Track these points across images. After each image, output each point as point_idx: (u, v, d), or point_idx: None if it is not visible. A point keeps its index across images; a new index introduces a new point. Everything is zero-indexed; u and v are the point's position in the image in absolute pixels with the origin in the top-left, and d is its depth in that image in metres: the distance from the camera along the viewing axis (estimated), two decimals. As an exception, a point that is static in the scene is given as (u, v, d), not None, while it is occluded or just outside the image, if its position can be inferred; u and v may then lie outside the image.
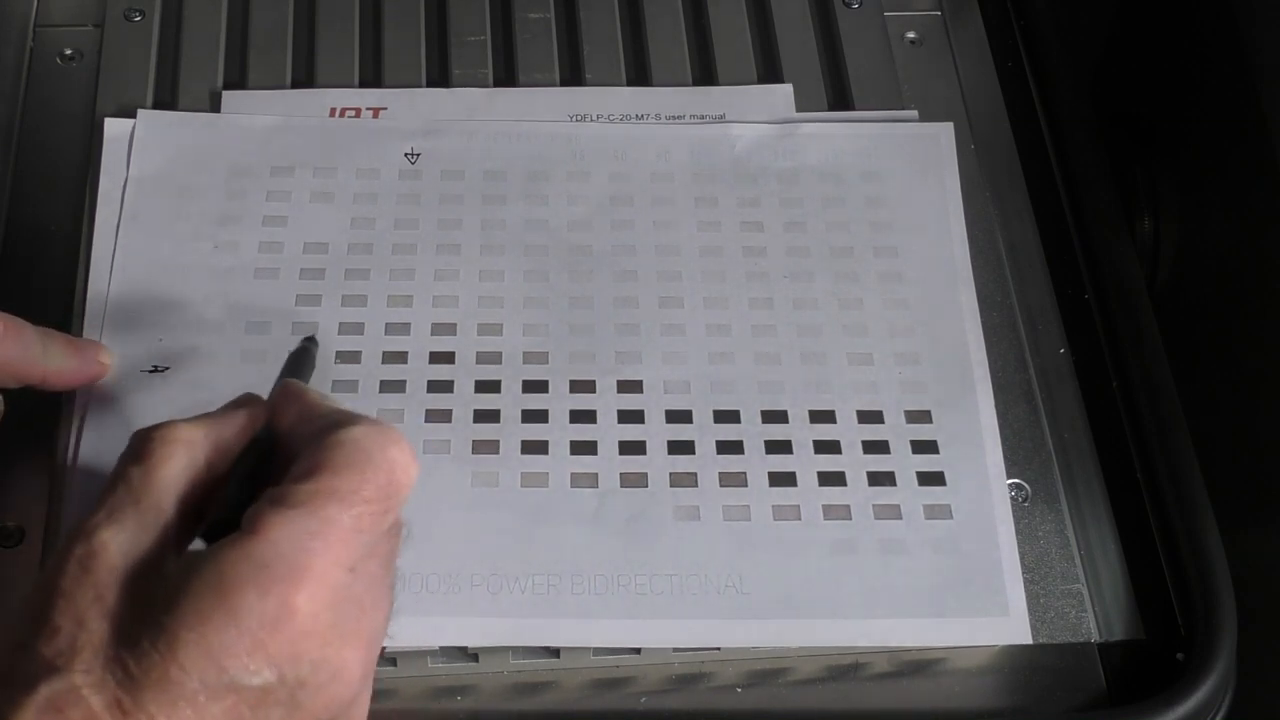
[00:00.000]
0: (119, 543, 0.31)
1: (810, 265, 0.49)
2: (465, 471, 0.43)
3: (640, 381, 0.46)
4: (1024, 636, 0.42)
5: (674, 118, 0.53)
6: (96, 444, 0.43)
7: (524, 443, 0.44)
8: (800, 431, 0.45)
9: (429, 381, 0.45)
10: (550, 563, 0.42)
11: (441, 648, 0.41)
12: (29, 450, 0.43)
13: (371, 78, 0.53)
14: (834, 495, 0.44)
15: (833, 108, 0.54)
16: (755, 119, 0.53)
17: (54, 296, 0.47)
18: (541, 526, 0.42)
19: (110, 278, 0.46)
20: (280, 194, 0.49)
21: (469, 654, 0.41)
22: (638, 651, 0.41)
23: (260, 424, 0.35)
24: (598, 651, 0.41)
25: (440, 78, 0.54)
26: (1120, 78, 0.62)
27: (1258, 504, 0.51)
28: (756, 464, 0.44)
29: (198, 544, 0.33)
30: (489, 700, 0.41)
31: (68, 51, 0.53)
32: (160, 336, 0.45)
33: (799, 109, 0.53)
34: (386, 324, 0.46)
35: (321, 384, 0.44)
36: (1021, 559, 0.43)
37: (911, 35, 0.57)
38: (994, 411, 0.46)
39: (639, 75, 0.54)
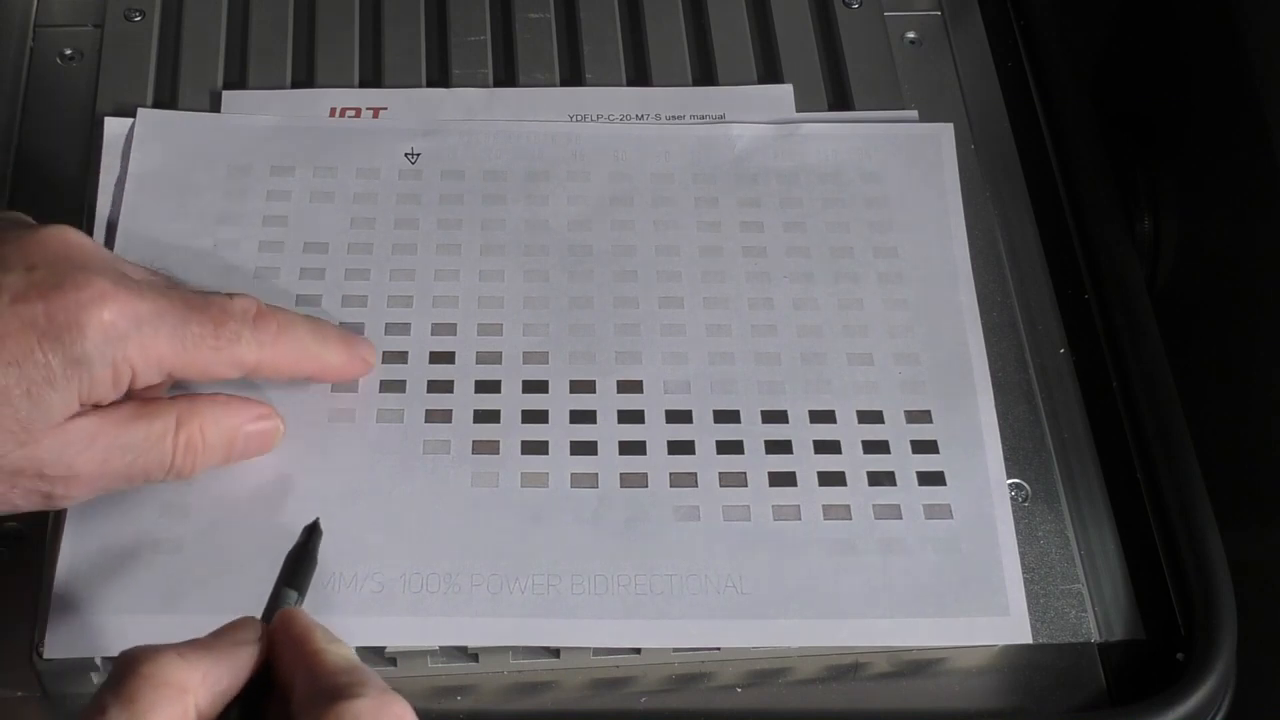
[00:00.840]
0: None
1: (810, 265, 0.49)
2: (465, 471, 0.43)
3: (640, 382, 0.46)
4: (1024, 636, 0.42)
5: (674, 118, 0.53)
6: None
7: (524, 443, 0.44)
8: (800, 431, 0.45)
9: (429, 382, 0.45)
10: (550, 563, 0.42)
11: (441, 648, 0.41)
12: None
13: (371, 78, 0.53)
14: (834, 495, 0.44)
15: (833, 108, 0.54)
16: (755, 119, 0.53)
17: (54, 296, 0.47)
18: (541, 526, 0.42)
19: (110, 277, 0.46)
20: (280, 194, 0.49)
21: (469, 654, 0.41)
22: (638, 651, 0.41)
23: (258, 664, 0.33)
24: (598, 651, 0.41)
25: (440, 78, 0.54)
26: (1120, 78, 0.62)
27: (1258, 504, 0.51)
28: (756, 464, 0.44)
29: None
30: (489, 700, 0.41)
31: (68, 51, 0.53)
32: (160, 336, 0.45)
33: (799, 109, 0.53)
34: (386, 324, 0.46)
35: (321, 389, 0.44)
36: (1021, 559, 0.43)
37: (911, 35, 0.57)
38: (994, 411, 0.46)
39: (639, 75, 0.54)
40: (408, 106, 0.52)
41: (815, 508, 0.43)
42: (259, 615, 0.35)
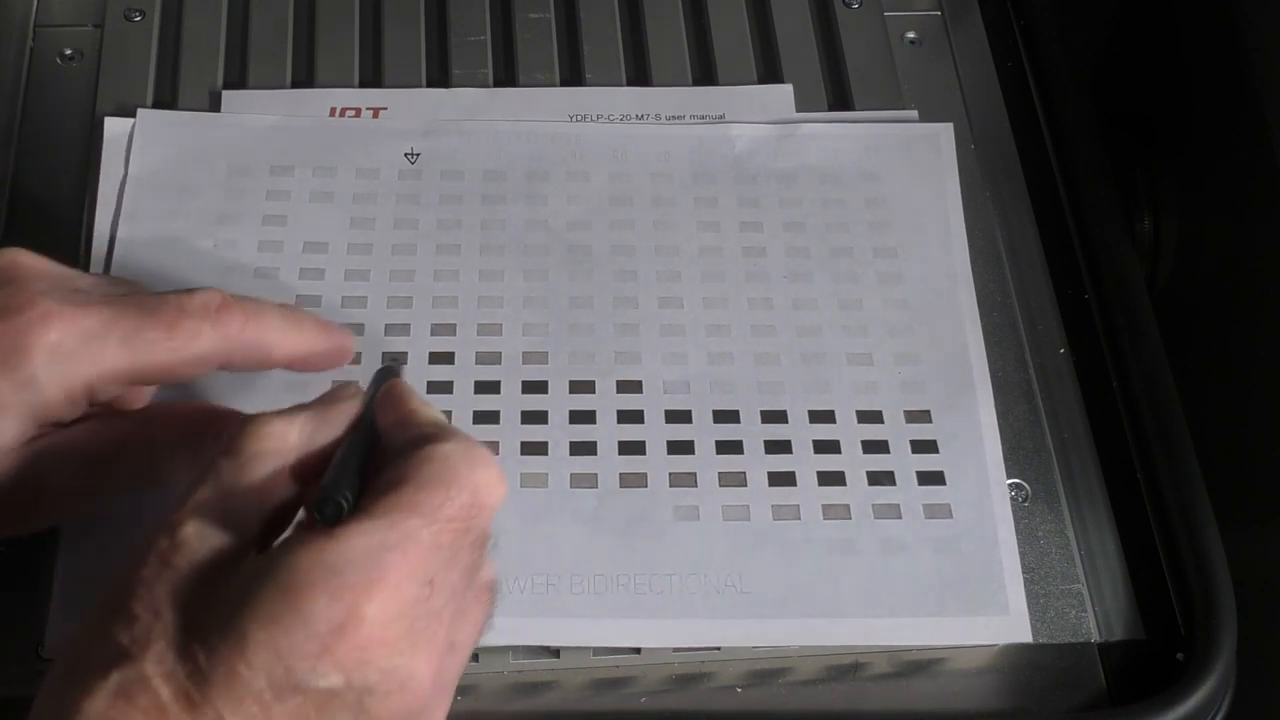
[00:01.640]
0: (202, 538, 0.31)
1: (810, 265, 0.49)
2: (465, 471, 0.43)
3: (640, 382, 0.46)
4: (1024, 636, 0.42)
5: (674, 118, 0.53)
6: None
7: (523, 443, 0.44)
8: (800, 431, 0.45)
9: (429, 382, 0.45)
10: (550, 563, 0.42)
11: (441, 648, 0.41)
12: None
13: (371, 78, 0.53)
14: (834, 495, 0.44)
15: (833, 108, 0.54)
16: (755, 119, 0.53)
17: (54, 296, 0.47)
18: (541, 526, 0.42)
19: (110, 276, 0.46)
20: (280, 193, 0.49)
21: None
22: (638, 651, 0.41)
23: (357, 419, 0.35)
24: (598, 651, 0.41)
25: (440, 78, 0.54)
26: (1120, 78, 0.61)
27: (1258, 504, 0.51)
28: (756, 464, 0.44)
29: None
30: (489, 700, 0.41)
31: (68, 51, 0.53)
32: (160, 336, 0.45)
33: (799, 109, 0.53)
34: (386, 325, 0.46)
35: (322, 385, 0.44)
36: (1021, 559, 0.43)
37: (911, 35, 0.57)
38: (994, 411, 0.46)
39: (639, 75, 0.54)
40: (408, 106, 0.52)
41: (815, 507, 0.43)
42: None
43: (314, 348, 0.41)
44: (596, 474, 0.44)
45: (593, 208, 0.50)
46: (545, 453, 0.44)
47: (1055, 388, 0.48)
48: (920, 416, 0.46)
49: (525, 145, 0.51)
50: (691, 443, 0.44)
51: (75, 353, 0.36)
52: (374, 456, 0.34)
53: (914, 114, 0.53)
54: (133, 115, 0.50)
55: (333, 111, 0.52)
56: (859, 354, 0.47)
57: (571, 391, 0.45)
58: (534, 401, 0.45)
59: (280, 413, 0.34)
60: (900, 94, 0.54)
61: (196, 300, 0.38)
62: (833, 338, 0.47)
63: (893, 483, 0.44)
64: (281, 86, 0.53)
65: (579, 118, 0.52)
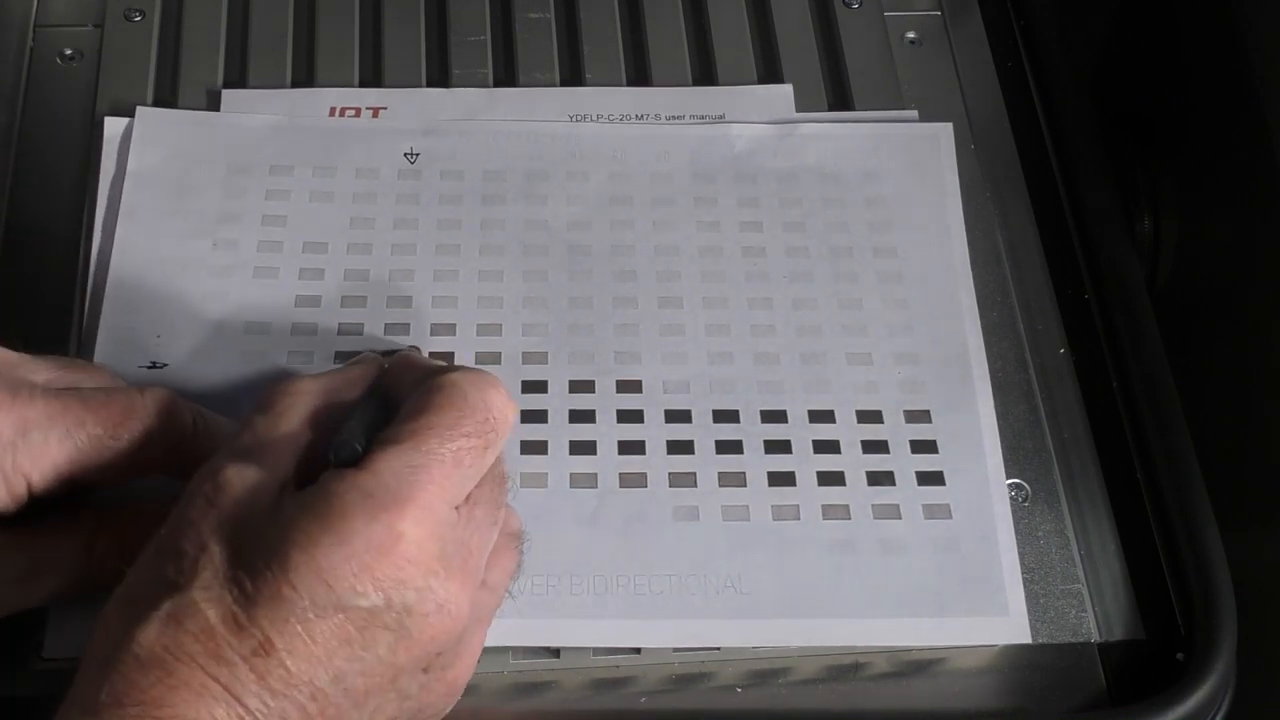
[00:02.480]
0: (242, 479, 0.33)
1: (809, 265, 0.49)
2: (464, 471, 0.43)
3: (639, 381, 0.46)
4: (1024, 636, 0.42)
5: (674, 118, 0.53)
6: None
7: (523, 443, 0.44)
8: (799, 431, 0.45)
9: (428, 381, 0.45)
10: (549, 563, 0.42)
11: (441, 647, 0.41)
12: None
13: (371, 78, 0.53)
14: (833, 495, 0.44)
15: (833, 108, 0.54)
16: (755, 119, 0.53)
17: (54, 294, 0.47)
18: (540, 526, 0.42)
19: (109, 275, 0.46)
20: (279, 193, 0.49)
21: (468, 654, 0.41)
22: (638, 651, 0.41)
23: (375, 379, 0.38)
24: (598, 651, 0.41)
25: (440, 78, 0.54)
26: (1120, 78, 0.61)
27: (1258, 504, 0.51)
28: (755, 464, 0.44)
29: None
30: (489, 700, 0.41)
31: (68, 51, 0.53)
32: (159, 334, 0.45)
33: (799, 109, 0.53)
34: (385, 325, 0.46)
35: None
36: (1021, 559, 0.43)
37: (911, 35, 0.57)
38: (993, 411, 0.46)
39: (639, 75, 0.54)
40: (408, 106, 0.52)
41: (814, 507, 0.43)
42: None
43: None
44: (596, 474, 0.44)
45: (592, 208, 0.50)
46: (545, 452, 0.44)
47: (1055, 388, 0.48)
48: (920, 416, 0.46)
49: (525, 145, 0.51)
50: (691, 442, 0.44)
51: (14, 444, 0.36)
52: (393, 407, 0.36)
53: (914, 114, 0.53)
54: (132, 115, 0.50)
55: (333, 111, 0.52)
56: (859, 354, 0.47)
57: (571, 391, 0.45)
58: (534, 401, 0.45)
59: (307, 375, 0.37)
60: (900, 94, 0.54)
61: (145, 401, 0.38)
62: (832, 337, 0.47)
63: (892, 483, 0.44)
64: (281, 86, 0.53)
65: (579, 118, 0.52)
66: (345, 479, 0.32)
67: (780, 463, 0.44)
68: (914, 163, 0.52)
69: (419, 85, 0.53)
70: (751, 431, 0.45)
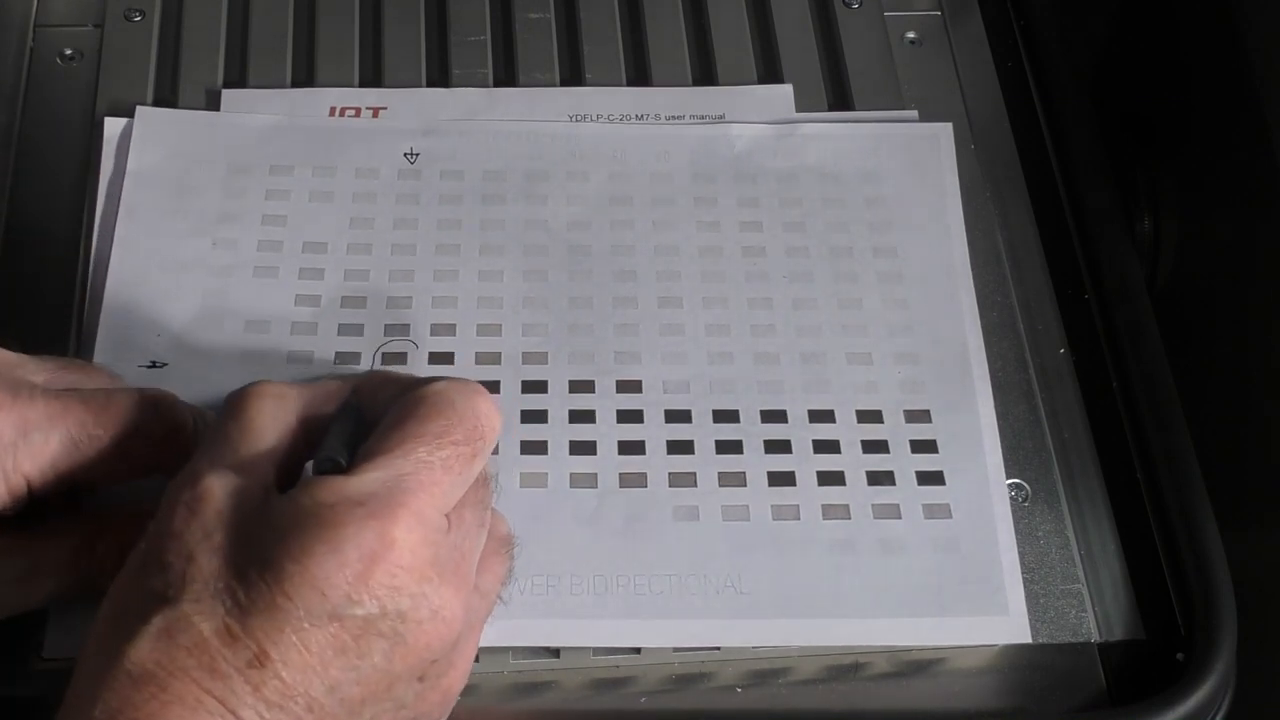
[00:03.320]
0: (222, 485, 0.33)
1: (809, 265, 0.49)
2: (464, 471, 0.43)
3: (639, 381, 0.46)
4: (1024, 636, 0.42)
5: (674, 118, 0.53)
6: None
7: (523, 443, 0.44)
8: (799, 431, 0.45)
9: (428, 381, 0.45)
10: (549, 563, 0.42)
11: (441, 647, 0.41)
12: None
13: (371, 78, 0.53)
14: (833, 495, 0.44)
15: (833, 108, 0.54)
16: (755, 119, 0.53)
17: (54, 294, 0.47)
18: (540, 526, 0.42)
19: (109, 274, 0.46)
20: (279, 193, 0.49)
21: (468, 654, 0.41)
22: (638, 651, 0.41)
23: (349, 396, 0.37)
24: (598, 651, 0.41)
25: (440, 78, 0.54)
26: (1120, 78, 0.61)
27: (1258, 504, 0.51)
28: (755, 464, 0.44)
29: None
30: (489, 700, 0.41)
31: (68, 51, 0.53)
32: (158, 333, 0.45)
33: (799, 109, 0.53)
34: (385, 325, 0.46)
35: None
36: (1021, 559, 0.43)
37: (911, 35, 0.57)
38: (993, 411, 0.46)
39: (639, 75, 0.54)
40: (408, 106, 0.52)
41: (814, 507, 0.43)
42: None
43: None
44: (596, 474, 0.44)
45: (592, 208, 0.50)
46: (545, 452, 0.44)
47: (1055, 388, 0.48)
48: (920, 416, 0.46)
49: (525, 145, 0.51)
50: (691, 442, 0.44)
51: (14, 444, 0.35)
52: (370, 420, 0.35)
53: (914, 114, 0.53)
54: (132, 115, 0.50)
55: (332, 111, 0.52)
56: (859, 353, 0.47)
57: (571, 391, 0.45)
58: (534, 401, 0.45)
59: (267, 381, 0.36)
60: (900, 94, 0.54)
61: (145, 400, 0.38)
62: (832, 337, 0.47)
63: (892, 483, 0.44)
64: (281, 86, 0.53)
65: (579, 118, 0.52)
66: (335, 487, 0.32)
67: (780, 463, 0.44)
68: (914, 163, 0.52)
69: (419, 85, 0.53)
70: (751, 431, 0.45)
